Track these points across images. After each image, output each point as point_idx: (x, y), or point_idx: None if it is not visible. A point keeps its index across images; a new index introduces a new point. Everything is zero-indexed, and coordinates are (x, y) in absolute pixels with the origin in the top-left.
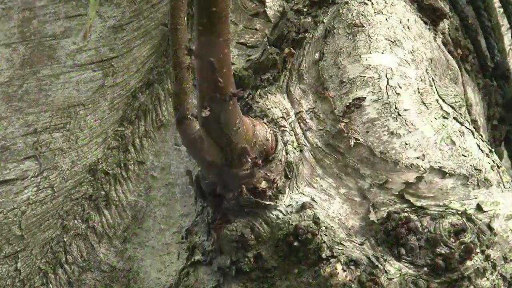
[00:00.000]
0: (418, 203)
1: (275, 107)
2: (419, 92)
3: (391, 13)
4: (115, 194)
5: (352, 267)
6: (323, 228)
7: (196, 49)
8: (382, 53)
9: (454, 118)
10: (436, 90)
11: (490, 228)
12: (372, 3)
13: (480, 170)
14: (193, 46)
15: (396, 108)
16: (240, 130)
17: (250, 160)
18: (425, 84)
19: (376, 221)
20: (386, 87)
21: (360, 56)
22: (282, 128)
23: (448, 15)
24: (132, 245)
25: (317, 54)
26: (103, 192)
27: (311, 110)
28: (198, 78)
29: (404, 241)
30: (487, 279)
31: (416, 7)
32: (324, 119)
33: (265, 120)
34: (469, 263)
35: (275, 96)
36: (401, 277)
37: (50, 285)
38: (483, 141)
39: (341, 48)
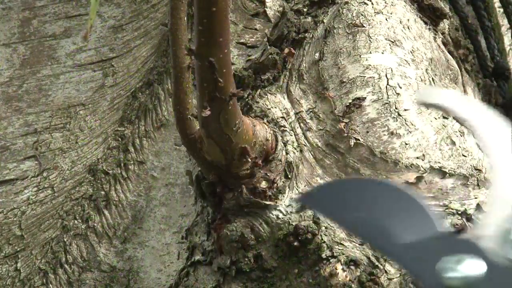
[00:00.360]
0: None
1: (275, 107)
2: None
3: (391, 13)
4: (115, 194)
5: (352, 267)
6: (323, 228)
7: (196, 49)
8: (382, 53)
9: (454, 118)
10: None
11: None
12: (372, 3)
13: (480, 170)
14: (193, 46)
15: (396, 108)
16: (240, 130)
17: (250, 160)
18: (425, 84)
19: None
20: (386, 87)
21: (360, 56)
22: (282, 128)
23: (448, 15)
24: (132, 245)
25: (317, 54)
26: (103, 192)
27: (311, 110)
28: (198, 78)
29: None
30: None
31: (416, 7)
32: (324, 119)
33: (265, 120)
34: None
35: (275, 96)
36: (401, 277)
37: (50, 285)
38: None
39: (341, 48)
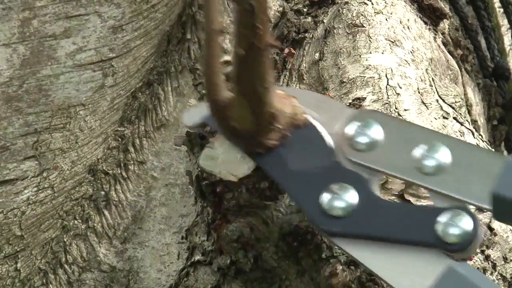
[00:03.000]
0: (418, 203)
1: None
2: (419, 92)
3: (391, 13)
4: (115, 194)
5: (352, 267)
6: None
7: None
8: (382, 53)
9: (454, 118)
10: (436, 90)
11: (490, 228)
12: (372, 3)
13: None
14: None
15: (396, 108)
16: (271, 91)
17: (279, 128)
18: (425, 84)
19: None
20: (386, 87)
21: (360, 56)
22: None
23: (448, 15)
24: (132, 245)
25: (317, 54)
26: (103, 192)
27: None
28: (236, 24)
29: None
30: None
31: (416, 7)
32: None
33: None
34: (469, 263)
35: None
36: None
37: (50, 285)
38: (483, 141)
39: (341, 48)
